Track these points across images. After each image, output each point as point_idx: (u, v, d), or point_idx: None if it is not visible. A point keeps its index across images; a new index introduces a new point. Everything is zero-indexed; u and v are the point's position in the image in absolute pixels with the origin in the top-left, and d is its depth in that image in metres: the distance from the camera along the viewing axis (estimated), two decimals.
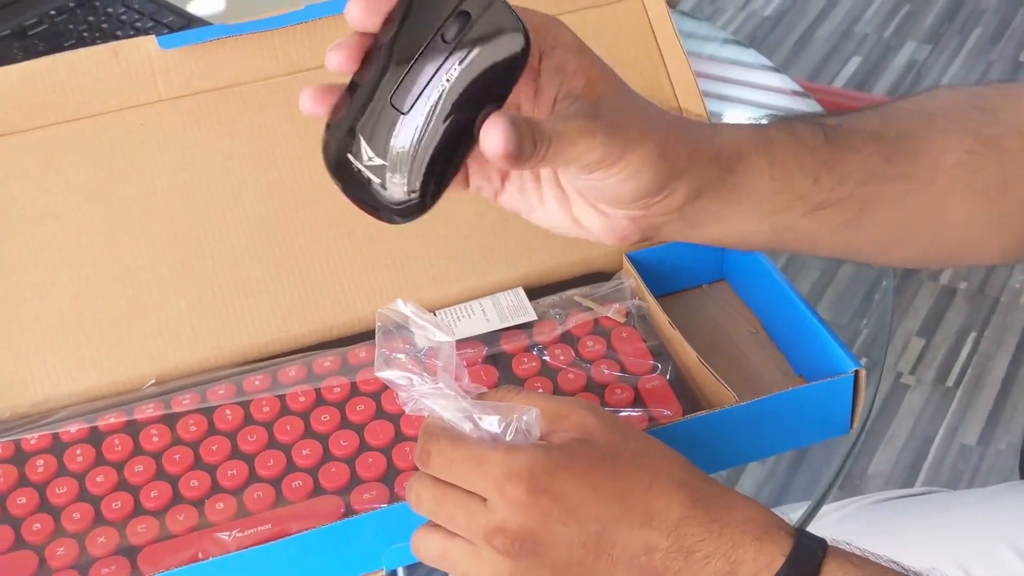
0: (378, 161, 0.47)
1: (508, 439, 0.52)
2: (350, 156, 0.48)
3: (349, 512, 0.60)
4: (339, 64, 0.49)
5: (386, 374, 0.52)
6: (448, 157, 0.48)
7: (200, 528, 0.60)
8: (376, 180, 0.47)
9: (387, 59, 0.47)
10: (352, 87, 0.48)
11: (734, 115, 1.07)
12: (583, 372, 0.66)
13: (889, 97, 2.11)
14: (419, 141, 0.47)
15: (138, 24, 1.01)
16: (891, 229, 0.62)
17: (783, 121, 0.59)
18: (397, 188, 0.47)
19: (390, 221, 0.49)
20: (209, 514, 0.61)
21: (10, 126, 0.68)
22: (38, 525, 0.60)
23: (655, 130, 0.52)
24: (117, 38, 0.99)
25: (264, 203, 0.70)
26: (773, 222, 0.58)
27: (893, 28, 2.29)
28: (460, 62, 0.46)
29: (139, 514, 0.61)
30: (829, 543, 0.52)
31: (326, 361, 0.68)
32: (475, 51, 0.46)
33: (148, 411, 0.65)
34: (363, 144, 0.47)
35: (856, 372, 0.63)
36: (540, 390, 0.65)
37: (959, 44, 2.25)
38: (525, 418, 0.52)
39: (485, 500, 0.52)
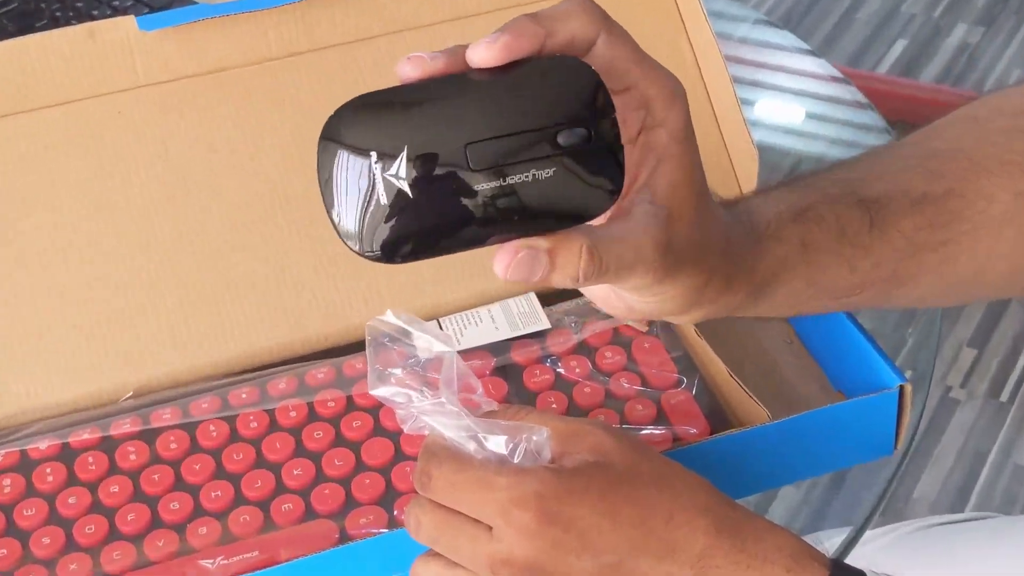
0: (398, 187, 0.45)
1: (516, 461, 0.52)
2: (372, 159, 0.45)
3: (344, 538, 0.60)
4: (409, 78, 0.47)
5: (380, 392, 0.52)
6: (454, 244, 0.46)
7: (181, 554, 0.60)
8: (380, 200, 0.45)
9: (480, 104, 0.46)
10: (409, 95, 0.46)
11: (767, 104, 1.07)
12: (601, 386, 0.66)
13: (951, 88, 2.09)
14: (452, 212, 0.45)
15: (115, 3, 1.01)
16: (929, 292, 0.63)
17: (828, 206, 0.59)
18: (386, 228, 0.45)
19: (342, 237, 0.46)
20: (191, 539, 0.60)
21: None
22: (3, 551, 0.60)
23: (703, 263, 0.52)
24: (93, 18, 0.99)
25: (252, 198, 0.70)
26: (800, 310, 0.61)
27: (943, 8, 2.28)
28: (550, 174, 0.45)
29: (114, 539, 0.61)
30: (868, 574, 0.52)
31: (319, 372, 0.67)
32: (571, 179, 0.45)
33: (125, 426, 0.65)
34: (403, 163, 0.45)
35: (901, 387, 0.62)
36: (554, 405, 0.65)
37: (1015, 26, 2.24)
38: (535, 438, 0.52)
39: (491, 528, 0.51)
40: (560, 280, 0.48)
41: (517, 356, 0.68)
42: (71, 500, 0.62)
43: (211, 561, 0.59)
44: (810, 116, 1.07)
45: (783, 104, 1.09)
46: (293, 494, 0.62)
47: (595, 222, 0.47)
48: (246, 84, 0.71)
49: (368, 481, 0.62)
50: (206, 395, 0.67)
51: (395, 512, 0.61)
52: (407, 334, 0.53)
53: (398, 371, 0.52)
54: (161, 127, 0.70)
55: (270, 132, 0.71)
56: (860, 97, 1.02)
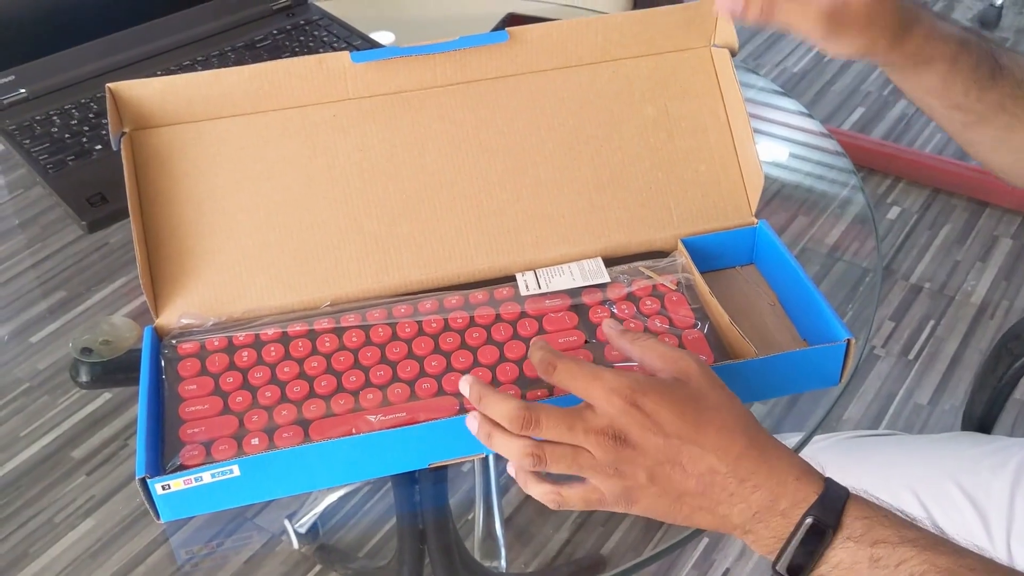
0: None
1: None
2: None
3: (462, 410, 0.60)
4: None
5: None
6: None
7: (355, 411, 0.60)
8: None
9: None
10: None
11: (769, 147, 1.04)
12: (642, 323, 0.65)
13: (892, 143, 2.05)
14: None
15: (335, 45, 1.02)
16: (992, 139, 0.67)
17: (979, 49, 0.65)
18: None
19: None
20: (362, 401, 0.61)
21: (241, 109, 0.68)
22: (240, 398, 0.61)
23: (867, 35, 0.61)
24: (321, 52, 0.99)
25: (416, 180, 0.69)
26: (925, 102, 0.68)
27: (890, 89, 2.22)
28: None
29: (312, 397, 0.61)
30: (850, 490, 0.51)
31: (453, 299, 0.67)
32: None
33: (323, 324, 0.66)
34: None
35: (848, 341, 0.61)
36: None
37: None
38: None
39: (593, 408, 0.50)
40: (747, 16, 0.62)
41: (586, 299, 0.67)
42: (286, 369, 0.63)
43: (375, 417, 0.60)
44: (794, 156, 1.05)
45: (781, 147, 1.06)
46: (430, 377, 0.62)
47: None
48: (419, 102, 0.70)
49: (481, 373, 0.62)
50: (378, 307, 0.67)
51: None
52: None
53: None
54: (360, 128, 0.70)
55: (434, 136, 0.70)
56: (838, 147, 1.00)
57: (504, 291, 0.67)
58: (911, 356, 1.64)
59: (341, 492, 0.79)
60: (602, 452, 0.50)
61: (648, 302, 0.66)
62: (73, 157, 0.87)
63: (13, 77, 0.92)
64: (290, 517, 0.86)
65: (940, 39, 0.64)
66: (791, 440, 0.78)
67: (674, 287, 0.68)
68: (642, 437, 0.50)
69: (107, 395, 0.75)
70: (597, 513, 1.23)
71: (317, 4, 1.08)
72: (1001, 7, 2.43)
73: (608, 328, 0.57)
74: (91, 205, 0.82)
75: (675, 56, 0.73)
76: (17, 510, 0.69)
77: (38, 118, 0.91)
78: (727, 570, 1.32)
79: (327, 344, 0.64)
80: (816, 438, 0.92)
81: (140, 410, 0.59)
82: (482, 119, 0.71)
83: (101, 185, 0.83)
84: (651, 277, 0.68)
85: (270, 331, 0.65)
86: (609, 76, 0.72)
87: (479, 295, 0.67)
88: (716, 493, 0.50)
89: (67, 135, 0.89)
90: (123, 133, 0.66)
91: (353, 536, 0.87)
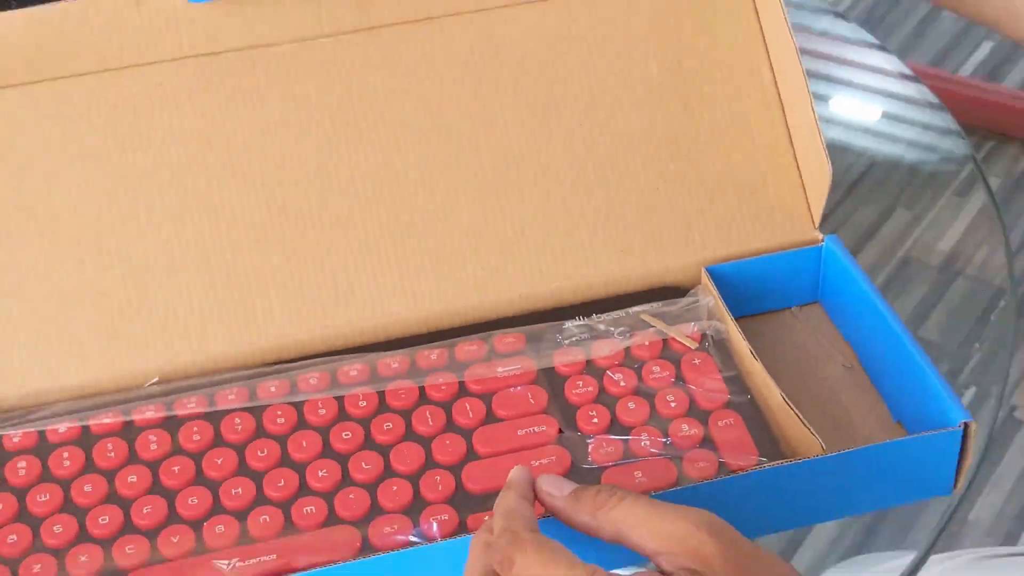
0: None
1: None
2: None
3: (366, 547, 0.59)
4: None
5: None
6: None
7: (196, 554, 0.59)
8: None
9: None
10: None
11: (839, 100, 1.05)
12: (646, 403, 0.64)
13: (1018, 92, 2.07)
14: None
15: None
16: None
17: None
18: None
19: None
20: (208, 538, 0.59)
21: (11, 77, 0.67)
22: (14, 536, 0.60)
23: None
24: None
25: (292, 183, 0.69)
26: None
27: None
28: None
29: (128, 532, 0.60)
30: None
31: (352, 370, 0.66)
32: None
33: (148, 413, 0.64)
34: None
35: (965, 425, 0.60)
36: (595, 420, 0.63)
37: None
38: None
39: None
40: None
41: (560, 364, 0.66)
42: (87, 488, 0.62)
43: (226, 563, 0.58)
44: (885, 116, 1.06)
45: (857, 102, 1.07)
46: (317, 496, 0.61)
47: None
48: (296, 62, 0.70)
49: (396, 487, 0.61)
50: (233, 385, 0.66)
51: (421, 523, 0.59)
52: None
53: None
54: (202, 102, 0.69)
55: (317, 113, 0.70)
56: (931, 97, 1.00)
57: (432, 355, 0.67)
58: None
59: None
60: None
61: (655, 368, 0.66)
62: None
63: None
64: None
65: None
66: (896, 564, 0.78)
67: (696, 344, 0.67)
68: None
69: None
70: None
71: None
72: None
73: (547, 488, 0.55)
74: None
75: None
76: None
77: None
78: None
79: (152, 447, 0.63)
80: (932, 558, 0.92)
81: None
82: (392, 88, 0.70)
83: None
84: (660, 329, 0.67)
85: (62, 427, 0.64)
86: (591, 16, 0.72)
87: (392, 362, 0.66)
88: None
89: None
90: None
91: None
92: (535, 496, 0.55)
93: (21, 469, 0.62)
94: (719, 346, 0.67)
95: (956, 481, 0.62)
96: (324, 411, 0.64)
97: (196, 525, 0.60)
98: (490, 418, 0.64)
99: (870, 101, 1.05)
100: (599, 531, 0.53)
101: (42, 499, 0.61)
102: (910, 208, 1.06)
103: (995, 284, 1.32)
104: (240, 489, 0.61)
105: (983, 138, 1.95)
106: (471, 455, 0.62)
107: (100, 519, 0.60)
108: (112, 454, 0.63)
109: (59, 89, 0.68)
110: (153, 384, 0.66)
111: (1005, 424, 1.63)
